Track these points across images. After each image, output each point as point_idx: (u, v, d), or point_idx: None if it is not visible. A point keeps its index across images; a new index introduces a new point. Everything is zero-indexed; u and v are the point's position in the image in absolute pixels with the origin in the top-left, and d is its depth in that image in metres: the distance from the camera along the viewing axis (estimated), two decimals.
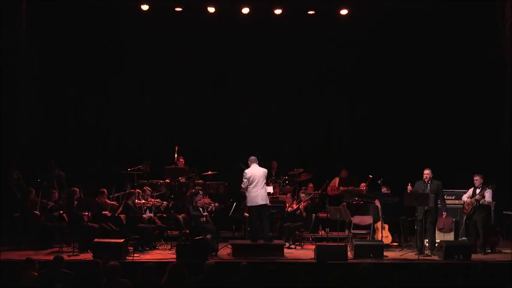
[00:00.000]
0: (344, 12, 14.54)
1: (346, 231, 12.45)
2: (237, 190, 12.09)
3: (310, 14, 14.67)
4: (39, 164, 13.53)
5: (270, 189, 12.97)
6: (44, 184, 12.39)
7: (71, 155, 14.23)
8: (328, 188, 14.00)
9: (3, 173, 12.34)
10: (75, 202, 11.58)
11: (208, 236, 11.11)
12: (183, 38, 14.89)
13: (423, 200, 11.07)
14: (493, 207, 11.69)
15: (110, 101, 15.19)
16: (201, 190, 12.42)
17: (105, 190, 12.09)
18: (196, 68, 15.14)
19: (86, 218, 11.20)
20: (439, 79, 14.85)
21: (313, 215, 12.65)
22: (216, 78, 15.32)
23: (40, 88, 14.38)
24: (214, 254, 10.88)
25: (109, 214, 11.70)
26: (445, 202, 11.54)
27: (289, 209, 12.54)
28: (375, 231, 12.33)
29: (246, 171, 11.16)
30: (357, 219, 12.43)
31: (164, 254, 11.07)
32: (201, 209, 11.93)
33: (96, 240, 10.45)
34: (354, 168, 14.13)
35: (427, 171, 11.34)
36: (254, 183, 11.04)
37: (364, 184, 13.53)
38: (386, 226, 12.27)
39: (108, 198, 12.13)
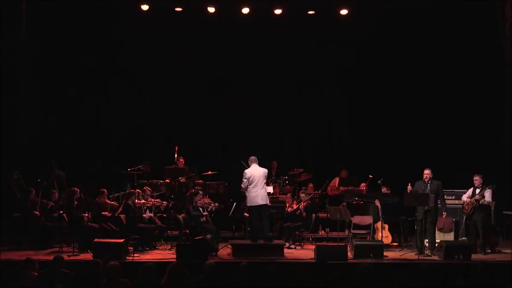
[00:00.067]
0: (344, 12, 14.54)
1: (346, 231, 12.45)
2: (237, 190, 12.08)
3: (310, 14, 14.67)
4: (39, 164, 13.54)
5: (270, 189, 12.97)
6: (44, 184, 12.39)
7: (71, 155, 14.23)
8: (328, 188, 14.00)
9: (3, 173, 12.34)
10: (75, 202, 11.57)
11: (208, 236, 11.11)
12: (183, 38, 14.89)
13: (423, 200, 11.07)
14: (493, 207, 11.69)
15: (110, 101, 15.19)
16: (201, 190, 12.42)
17: (105, 190, 12.09)
18: (196, 68, 15.14)
19: (86, 218, 11.19)
20: (439, 79, 14.85)
21: (313, 215, 12.65)
22: (216, 78, 15.31)
23: (40, 88, 14.38)
24: (214, 254, 10.88)
25: (109, 215, 11.69)
26: (445, 202, 11.54)
27: (289, 209, 12.54)
28: (375, 231, 12.33)
29: (246, 171, 11.16)
30: (357, 219, 12.43)
31: (164, 254, 11.06)
32: (201, 209, 11.94)
33: (96, 240, 10.45)
34: (354, 168, 14.13)
35: (427, 171, 11.34)
36: (254, 183, 11.03)
37: (364, 184, 13.53)
38: (386, 226, 12.27)
39: (108, 198, 12.13)
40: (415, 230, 11.55)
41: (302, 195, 12.76)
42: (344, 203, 13.06)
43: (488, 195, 11.45)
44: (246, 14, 14.36)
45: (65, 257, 8.89)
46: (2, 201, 11.93)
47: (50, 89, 14.56)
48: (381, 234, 12.12)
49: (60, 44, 14.48)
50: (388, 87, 15.18)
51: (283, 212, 12.59)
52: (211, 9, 14.25)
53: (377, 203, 12.53)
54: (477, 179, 11.57)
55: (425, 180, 11.31)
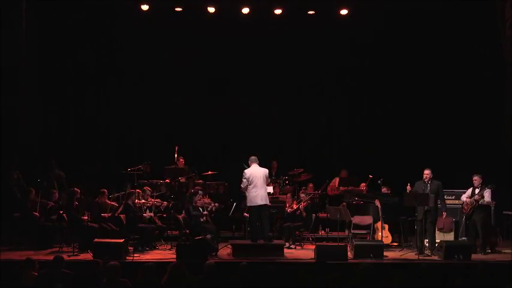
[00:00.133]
0: (344, 12, 14.54)
1: (346, 231, 12.45)
2: (237, 190, 12.09)
3: (310, 14, 14.67)
4: (39, 164, 13.54)
5: (270, 189, 12.97)
6: (44, 184, 12.39)
7: (71, 155, 14.23)
8: (328, 188, 14.00)
9: (3, 173, 12.34)
10: (76, 203, 11.57)
11: (208, 236, 11.11)
12: (183, 38, 14.90)
13: (423, 200, 11.07)
14: (493, 207, 11.68)
15: (109, 101, 15.19)
16: (200, 190, 12.41)
17: (106, 190, 12.08)
18: (196, 68, 15.14)
19: (86, 218, 11.19)
20: (439, 79, 14.84)
21: (313, 215, 12.65)
22: (216, 78, 15.31)
23: (40, 88, 14.38)
24: (214, 254, 10.88)
25: (107, 216, 11.67)
26: (445, 202, 11.54)
27: (289, 209, 12.53)
28: (375, 231, 12.33)
29: (246, 171, 11.16)
30: (357, 219, 12.43)
31: (164, 254, 11.06)
32: (200, 209, 11.94)
33: (96, 240, 10.45)
34: (354, 168, 14.13)
35: (427, 171, 11.34)
36: (254, 183, 11.03)
37: (364, 184, 13.53)
38: (386, 226, 12.27)
39: (108, 199, 12.13)
40: (415, 230, 11.55)
41: (302, 195, 12.76)
42: (344, 203, 13.06)
43: (487, 195, 11.45)
44: (246, 14, 14.36)
45: (65, 257, 8.89)
46: (2, 201, 11.93)
47: (50, 89, 14.56)
48: (380, 234, 12.12)
49: (60, 44, 14.49)
50: (388, 87, 15.18)
51: (283, 212, 12.59)
52: (211, 9, 14.25)
53: (377, 203, 12.53)
54: (476, 179, 11.57)
55: (425, 180, 11.30)
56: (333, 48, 15.16)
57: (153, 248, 11.57)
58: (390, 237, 12.29)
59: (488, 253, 11.50)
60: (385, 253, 10.89)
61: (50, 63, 14.50)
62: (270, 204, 11.52)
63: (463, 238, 12.14)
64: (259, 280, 7.72)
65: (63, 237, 11.45)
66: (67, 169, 13.32)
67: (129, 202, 11.61)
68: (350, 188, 13.74)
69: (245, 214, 12.36)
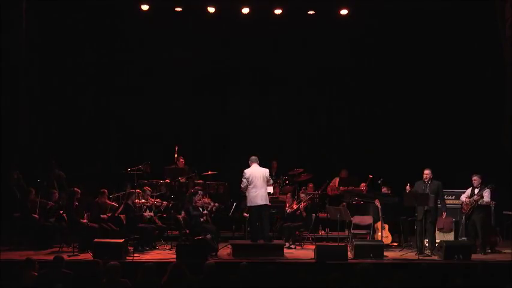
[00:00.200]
0: (344, 12, 14.54)
1: (346, 231, 12.45)
2: (237, 190, 12.09)
3: (310, 14, 14.67)
4: (39, 164, 13.54)
5: (270, 189, 12.94)
6: (44, 184, 12.39)
7: (71, 155, 14.23)
8: (328, 188, 14.00)
9: (3, 173, 12.34)
10: (76, 203, 11.56)
11: (208, 236, 11.11)
12: (183, 38, 14.90)
13: (423, 200, 11.07)
14: (493, 207, 11.69)
15: (109, 101, 15.19)
16: (200, 190, 12.40)
17: (106, 190, 12.08)
18: (196, 68, 15.14)
19: (86, 218, 11.20)
20: (439, 79, 14.84)
21: (313, 215, 12.65)
22: (216, 78, 15.32)
23: (40, 88, 14.37)
24: (214, 254, 10.88)
25: (106, 217, 11.66)
26: (445, 202, 11.54)
27: (289, 209, 12.53)
28: (375, 231, 12.33)
29: (246, 171, 11.15)
30: (357, 219, 12.43)
31: (164, 254, 11.06)
32: (200, 209, 11.93)
33: (96, 240, 10.45)
34: (354, 168, 14.13)
35: (427, 171, 11.34)
36: (254, 183, 11.03)
37: (364, 184, 13.53)
38: (386, 226, 12.27)
39: (108, 199, 12.13)
40: (415, 230, 11.54)
41: (302, 195, 12.76)
42: (344, 203, 13.06)
43: (487, 195, 11.45)
44: (246, 14, 14.35)
45: (65, 257, 8.89)
46: (2, 201, 11.93)
47: (50, 89, 14.55)
48: (380, 234, 12.12)
49: (60, 44, 14.48)
50: (388, 87, 15.17)
51: (283, 212, 12.59)
52: (211, 9, 14.25)
53: (377, 203, 12.53)
54: (476, 179, 11.57)
55: (425, 180, 11.31)
56: (333, 48, 15.15)
57: (153, 248, 11.57)
58: (390, 237, 12.29)
59: (488, 253, 11.50)
60: (385, 253, 10.89)
61: (50, 63, 14.49)
62: (270, 204, 11.52)
63: (463, 238, 12.14)
64: (259, 280, 7.71)
65: (63, 237, 11.45)
66: (67, 169, 13.32)
67: (129, 202, 11.61)
68: (350, 188, 13.74)
69: (245, 214, 12.36)
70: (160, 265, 8.14)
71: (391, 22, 14.78)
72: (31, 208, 11.60)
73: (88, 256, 10.40)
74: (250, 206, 11.19)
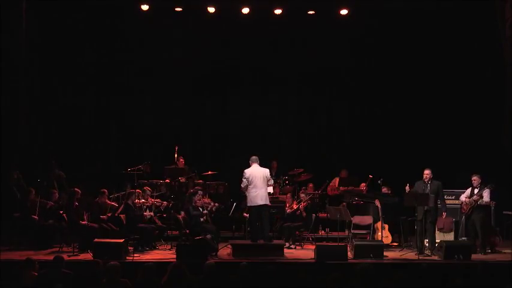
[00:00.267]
0: (344, 12, 14.54)
1: (346, 231, 12.45)
2: (237, 190, 12.09)
3: (310, 14, 14.67)
4: (39, 164, 13.54)
5: (270, 189, 12.93)
6: (44, 184, 12.38)
7: (71, 155, 14.23)
8: (328, 188, 14.00)
9: (3, 173, 12.34)
10: (76, 203, 11.55)
11: (208, 236, 11.11)
12: (183, 38, 14.90)
13: (423, 200, 11.07)
14: (493, 207, 11.69)
15: (109, 101, 15.19)
16: (200, 190, 12.39)
17: (106, 190, 12.08)
18: (196, 68, 15.15)
19: (86, 218, 11.19)
20: (439, 79, 14.84)
21: (313, 215, 12.65)
22: (216, 78, 15.32)
23: (40, 88, 14.37)
24: (214, 254, 10.88)
25: (106, 218, 11.66)
26: (445, 202, 11.54)
27: (289, 210, 12.52)
28: (375, 231, 12.33)
29: (246, 171, 11.15)
30: (357, 219, 12.43)
31: (164, 254, 11.06)
32: (200, 209, 11.93)
33: (96, 240, 10.45)
34: (354, 168, 14.13)
35: (427, 171, 11.34)
36: (254, 184, 11.03)
37: (364, 184, 13.53)
38: (386, 226, 12.27)
39: (108, 199, 12.13)
40: (415, 230, 11.54)
41: (302, 195, 12.76)
42: (344, 203, 13.06)
43: (486, 195, 11.45)
44: (246, 14, 14.35)
45: (65, 257, 8.89)
46: (2, 201, 11.93)
47: (50, 89, 14.55)
48: (380, 234, 12.12)
49: (60, 44, 14.48)
50: (388, 87, 15.17)
51: (283, 212, 12.59)
52: (211, 9, 14.25)
53: (377, 203, 12.53)
54: (475, 179, 11.57)
55: (425, 180, 11.31)
56: (333, 48, 15.16)
57: (153, 248, 11.57)
58: (390, 237, 12.29)
59: (488, 253, 11.50)
60: (385, 253, 10.89)
61: (50, 63, 14.48)
62: (270, 204, 11.51)
63: (463, 238, 12.14)
64: (259, 280, 7.71)
65: (63, 237, 11.45)
66: (67, 169, 13.32)
67: (129, 202, 11.61)
68: (350, 188, 13.74)
69: (245, 214, 12.36)
70: (160, 265, 8.14)
71: (391, 22, 14.78)
72: (31, 208, 11.59)
73: (88, 256, 10.40)
74: (250, 206, 11.19)
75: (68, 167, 13.41)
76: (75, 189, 11.77)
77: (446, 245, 10.75)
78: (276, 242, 11.38)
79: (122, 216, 11.84)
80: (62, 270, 7.98)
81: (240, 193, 12.08)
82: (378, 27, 14.86)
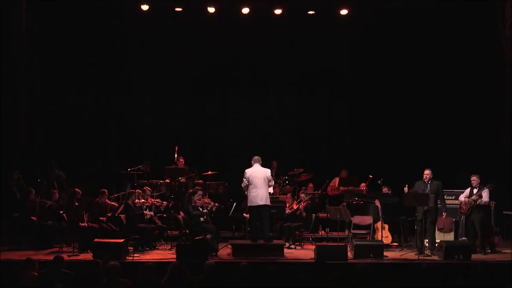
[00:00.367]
0: (344, 12, 14.54)
1: (346, 231, 12.45)
2: (237, 190, 12.10)
3: (310, 14, 14.67)
4: (39, 164, 13.54)
5: (270, 189, 12.94)
6: (44, 184, 12.38)
7: (71, 155, 14.23)
8: (328, 188, 14.00)
9: (3, 173, 12.34)
10: (76, 203, 11.55)
11: (208, 236, 11.10)
12: (183, 38, 14.90)
13: (423, 200, 11.07)
14: (493, 207, 11.70)
15: (109, 101, 15.19)
16: (200, 190, 12.38)
17: (106, 190, 12.08)
18: (196, 68, 15.15)
19: (86, 218, 11.19)
20: (439, 79, 14.84)
21: (313, 215, 12.64)
22: (216, 78, 15.32)
23: (40, 88, 14.37)
24: (214, 254, 10.88)
25: (105, 218, 11.65)
26: (445, 202, 11.54)
27: (289, 210, 12.52)
28: (375, 231, 12.32)
29: (246, 170, 11.15)
30: (357, 219, 12.43)
31: (164, 254, 11.06)
32: (200, 208, 11.93)
33: (96, 240, 10.44)
34: (354, 168, 14.13)
35: (427, 172, 11.35)
36: (254, 184, 11.03)
37: (364, 184, 13.53)
38: (386, 226, 12.27)
39: (108, 199, 12.12)
40: (415, 230, 11.55)
41: (302, 195, 12.75)
42: (344, 203, 13.06)
43: (485, 195, 11.45)
44: (246, 14, 14.35)
45: (65, 257, 8.89)
46: (2, 201, 11.93)
47: (50, 88, 14.55)
48: (380, 234, 12.12)
49: (60, 44, 14.48)
50: (388, 87, 15.17)
51: (283, 212, 12.59)
52: (211, 9, 14.25)
53: (377, 203, 12.53)
54: (474, 179, 11.58)
55: (425, 180, 11.31)
56: (333, 48, 15.16)
57: (153, 248, 11.57)
58: (390, 237, 12.29)
59: (488, 253, 11.50)
60: (385, 253, 10.89)
61: (50, 63, 14.48)
62: (270, 204, 11.50)
63: (463, 238, 12.13)
64: (259, 280, 7.72)
65: (63, 237, 11.44)
66: (67, 169, 13.32)
67: (129, 202, 11.61)
68: (350, 188, 13.74)
69: (244, 214, 12.36)
70: (160, 265, 8.14)
71: (391, 22, 14.78)
72: (31, 208, 11.59)
73: (88, 256, 10.40)
74: (250, 206, 11.19)
75: (68, 167, 13.41)
76: (75, 189, 11.77)
77: (446, 245, 10.75)
78: (276, 242, 11.38)
79: (122, 216, 11.84)
80: (62, 270, 7.97)
81: (240, 193, 12.08)
82: (378, 27, 14.86)
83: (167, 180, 13.42)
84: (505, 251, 11.66)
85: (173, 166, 13.60)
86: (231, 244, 11.31)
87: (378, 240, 11.68)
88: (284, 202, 12.92)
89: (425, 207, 11.16)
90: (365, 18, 14.68)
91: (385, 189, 12.90)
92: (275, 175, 14.18)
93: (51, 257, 8.61)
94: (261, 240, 11.03)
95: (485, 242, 11.55)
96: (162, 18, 14.54)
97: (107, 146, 15.18)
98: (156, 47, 14.95)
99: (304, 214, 12.36)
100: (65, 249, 11.06)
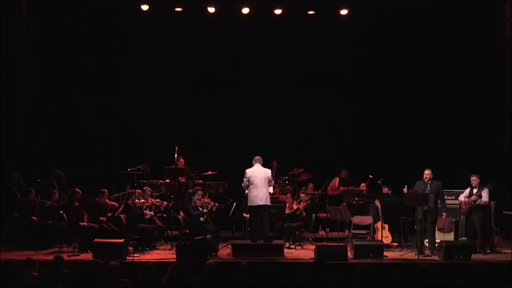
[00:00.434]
0: (344, 12, 14.54)
1: (346, 231, 12.45)
2: (237, 190, 12.11)
3: (310, 14, 14.67)
4: (39, 164, 13.54)
5: (270, 189, 12.95)
6: (44, 184, 12.38)
7: (71, 155, 14.23)
8: (328, 188, 14.00)
9: (3, 173, 12.34)
10: (76, 203, 11.55)
11: (208, 236, 11.10)
12: (183, 38, 14.90)
13: (423, 200, 11.07)
14: (493, 207, 11.70)
15: (109, 101, 15.19)
16: (200, 190, 12.38)
17: (106, 190, 12.08)
18: (196, 68, 15.15)
19: (86, 218, 11.19)
20: (439, 79, 14.84)
21: (313, 215, 12.64)
22: (216, 78, 15.32)
23: (40, 88, 14.37)
24: (214, 254, 10.88)
25: (105, 218, 11.65)
26: (445, 202, 11.53)
27: (289, 210, 12.52)
28: (375, 231, 12.32)
29: (247, 170, 11.16)
30: (357, 219, 12.42)
31: (164, 254, 11.06)
32: (200, 208, 11.93)
33: (96, 240, 10.44)
34: (354, 168, 14.12)
35: (427, 172, 11.34)
36: (255, 184, 11.03)
37: (364, 184, 13.53)
38: (386, 226, 12.27)
39: (108, 199, 12.12)
40: (415, 230, 11.55)
41: (302, 195, 12.75)
42: (344, 203, 13.06)
43: (485, 194, 11.45)
44: (246, 14, 14.35)
45: (65, 257, 8.89)
46: (2, 201, 11.93)
47: (50, 88, 14.55)
48: (381, 234, 12.12)
49: (60, 44, 14.49)
50: (388, 87, 15.17)
51: (283, 212, 12.59)
52: (211, 9, 14.25)
53: (377, 203, 12.53)
54: (474, 179, 11.58)
55: (425, 180, 11.31)
56: (333, 48, 15.16)
57: (153, 248, 11.56)
58: (390, 237, 12.29)
59: (488, 253, 11.50)
60: (385, 253, 10.89)
61: (50, 63, 14.49)
62: (270, 204, 11.50)
63: (463, 238, 12.13)
64: (259, 280, 7.72)
65: (63, 237, 11.44)
66: (67, 169, 13.32)
67: (129, 202, 11.61)
68: (350, 188, 13.74)
69: (244, 214, 12.36)
70: (160, 265, 8.15)
71: (391, 22, 14.78)
72: (31, 208, 11.59)
73: (88, 256, 10.40)
74: (251, 206, 11.20)
75: (68, 167, 13.42)
76: (75, 189, 11.77)
77: (446, 245, 10.75)
78: (276, 242, 11.38)
79: (122, 216, 11.84)
80: (62, 270, 7.98)
81: (240, 193, 12.09)
82: (378, 27, 14.87)
83: (167, 180, 13.42)
84: (505, 251, 11.66)
85: (173, 166, 13.60)
86: (231, 244, 11.31)
87: (378, 240, 11.68)
88: (284, 202, 12.92)
89: (425, 207, 11.15)
90: (365, 18, 14.68)
91: (385, 189, 12.90)
92: (275, 175, 14.17)
93: (51, 257, 8.61)
94: (261, 240, 11.03)
95: (485, 242, 11.55)
96: (162, 18, 14.55)
97: (107, 146, 15.18)
98: (156, 47, 14.96)
99: (304, 214, 12.36)
100: (65, 249, 11.05)
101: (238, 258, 10.45)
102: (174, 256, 10.39)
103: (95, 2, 14.17)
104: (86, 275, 8.12)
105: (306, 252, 11.30)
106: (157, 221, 12.08)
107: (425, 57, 14.82)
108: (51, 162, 13.08)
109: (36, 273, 8.08)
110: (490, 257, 11.16)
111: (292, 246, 11.95)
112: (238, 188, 11.49)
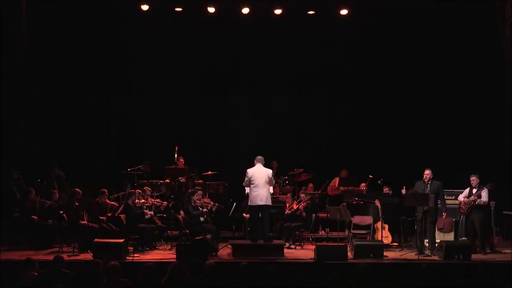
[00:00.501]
0: (344, 12, 14.54)
1: (346, 231, 12.45)
2: (237, 190, 12.12)
3: (310, 14, 14.67)
4: (39, 164, 13.54)
5: (271, 189, 12.96)
6: (44, 184, 12.38)
7: (71, 155, 14.22)
8: (328, 188, 14.00)
9: (3, 173, 12.34)
10: (76, 203, 11.55)
11: (208, 236, 11.11)
12: (183, 38, 14.90)
13: (423, 200, 11.07)
14: (492, 207, 11.70)
15: (109, 101, 15.19)
16: (200, 190, 12.38)
17: (106, 190, 12.08)
18: (196, 68, 15.15)
19: (86, 218, 11.19)
20: (439, 79, 14.84)
21: (313, 215, 12.64)
22: (216, 78, 15.33)
23: (40, 88, 14.37)
24: (214, 254, 10.88)
25: (105, 219, 11.65)
26: (445, 202, 11.54)
27: (288, 210, 12.51)
28: (375, 231, 12.33)
29: (248, 170, 11.16)
30: (357, 219, 12.43)
31: (164, 254, 11.06)
32: (200, 208, 11.93)
33: (96, 240, 10.44)
34: (354, 168, 14.12)
35: (427, 172, 11.35)
36: (255, 183, 11.03)
37: (364, 184, 13.53)
38: (386, 226, 12.27)
39: (109, 199, 12.12)
40: (415, 230, 11.55)
41: (302, 195, 12.75)
42: (344, 203, 13.06)
43: (484, 194, 11.45)
44: (246, 14, 14.35)
45: (65, 257, 8.89)
46: (2, 201, 11.93)
47: (50, 89, 14.55)
48: (381, 234, 12.12)
49: (60, 44, 14.48)
50: (388, 87, 15.17)
51: (283, 212, 12.59)
52: (211, 9, 14.25)
53: (377, 203, 12.53)
54: (474, 179, 11.58)
55: (426, 180, 11.31)
56: (333, 48, 15.16)
57: (153, 248, 11.56)
58: (390, 237, 12.29)
59: (488, 253, 11.50)
60: (385, 253, 10.89)
61: (50, 63, 14.48)
62: (270, 204, 11.49)
63: (463, 238, 12.13)
64: (259, 280, 7.72)
65: (63, 237, 11.44)
66: (67, 169, 13.32)
67: (129, 202, 11.61)
68: (350, 188, 13.74)
69: (244, 215, 12.36)
70: (160, 265, 8.15)
71: (391, 22, 14.78)
72: (31, 208, 11.59)
73: (88, 256, 10.40)
74: (251, 206, 11.20)
75: (68, 167, 13.41)
76: (76, 189, 11.76)
77: (446, 245, 10.75)
78: (276, 242, 11.38)
79: (122, 216, 11.84)
80: (62, 270, 7.98)
81: (240, 193, 12.08)
82: (378, 27, 14.87)
83: (167, 180, 13.43)
84: (505, 251, 11.66)
85: (173, 166, 13.60)
86: (231, 244, 11.31)
87: (378, 240, 11.68)
88: (284, 202, 12.92)
89: (425, 207, 11.16)
90: (365, 18, 14.68)
91: (385, 189, 12.91)
92: (275, 175, 14.16)
93: (51, 257, 8.62)
94: (261, 240, 11.03)
95: (485, 242, 11.55)
96: (162, 18, 14.54)
97: (107, 146, 15.18)
98: (156, 47, 14.94)
99: (304, 214, 12.36)
100: (65, 249, 11.06)
101: (238, 258, 10.46)
102: (174, 256, 10.39)
103: (95, 2, 14.17)
104: (86, 275, 8.12)
105: (306, 252, 11.30)
106: (157, 221, 12.08)
107: (425, 57, 14.82)
108: (51, 162, 13.08)
109: (36, 273, 8.08)
110: (490, 257, 11.16)
111: (292, 246, 11.95)
112: (238, 188, 11.49)
